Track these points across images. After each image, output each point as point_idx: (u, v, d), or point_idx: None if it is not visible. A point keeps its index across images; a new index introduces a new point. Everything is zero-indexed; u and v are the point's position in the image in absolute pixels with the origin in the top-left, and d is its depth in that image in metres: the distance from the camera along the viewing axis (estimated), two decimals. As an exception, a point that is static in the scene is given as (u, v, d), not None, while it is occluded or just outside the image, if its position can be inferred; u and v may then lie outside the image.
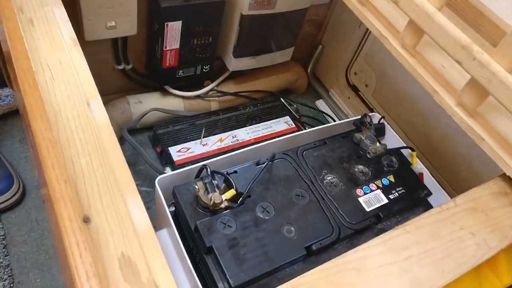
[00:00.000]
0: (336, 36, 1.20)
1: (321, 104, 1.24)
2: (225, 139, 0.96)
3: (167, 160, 0.90)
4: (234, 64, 0.97)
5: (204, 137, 0.95)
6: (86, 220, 0.36)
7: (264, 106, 1.08)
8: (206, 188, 0.62)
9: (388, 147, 0.79)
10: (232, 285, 0.55)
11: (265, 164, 0.67)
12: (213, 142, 0.95)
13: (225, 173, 0.66)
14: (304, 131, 0.78)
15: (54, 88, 0.45)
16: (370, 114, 0.85)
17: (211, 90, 1.04)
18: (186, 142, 0.93)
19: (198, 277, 0.59)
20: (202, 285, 0.57)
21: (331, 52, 1.24)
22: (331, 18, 1.19)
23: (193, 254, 0.64)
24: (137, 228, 0.38)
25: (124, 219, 0.37)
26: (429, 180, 0.78)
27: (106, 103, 0.96)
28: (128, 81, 0.98)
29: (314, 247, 0.61)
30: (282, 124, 1.05)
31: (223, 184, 0.64)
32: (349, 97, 1.22)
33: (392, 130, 0.86)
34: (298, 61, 1.23)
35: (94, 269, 0.33)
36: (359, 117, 0.83)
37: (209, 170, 0.64)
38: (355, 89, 1.21)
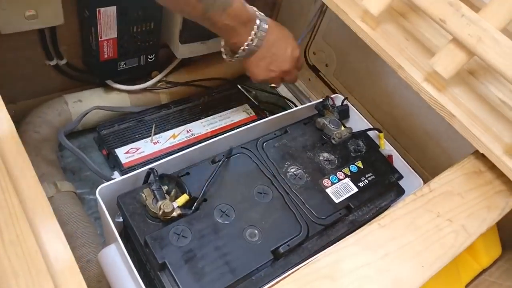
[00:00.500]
0: (292, 15, 1.13)
1: (281, 89, 1.18)
2: (179, 134, 0.88)
3: (114, 163, 0.81)
4: (182, 51, 0.88)
5: (154, 134, 0.86)
6: (-20, 264, 0.28)
7: (220, 95, 1.00)
8: (155, 196, 0.54)
9: (354, 131, 0.73)
10: (191, 305, 0.48)
11: (221, 161, 0.60)
12: (166, 139, 0.86)
13: (177, 176, 0.58)
14: (263, 119, 0.71)
15: None
16: (332, 96, 0.80)
17: (159, 81, 0.95)
18: (134, 141, 0.84)
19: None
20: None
21: (287, 29, 1.17)
22: (284, -4, 1.12)
23: (147, 269, 0.56)
24: (52, 265, 0.30)
25: (33, 256, 0.29)
26: (399, 162, 0.73)
27: (40, 104, 0.85)
28: (64, 78, 0.87)
29: (281, 250, 0.55)
30: (241, 113, 0.98)
31: (174, 190, 0.56)
32: (309, 79, 1.16)
33: (356, 111, 0.81)
34: (254, 44, 1.15)
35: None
36: (321, 100, 0.77)
37: (156, 174, 0.56)
38: (315, 70, 1.15)
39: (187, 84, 0.97)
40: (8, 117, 0.38)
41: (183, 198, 0.55)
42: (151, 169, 0.57)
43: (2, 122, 0.36)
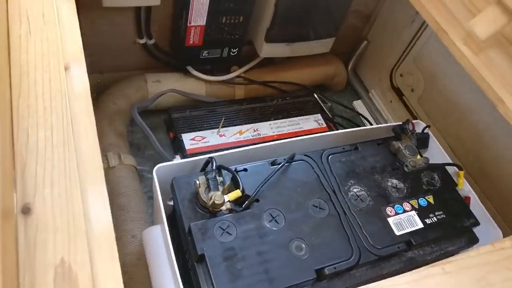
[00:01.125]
0: (384, 32, 1.07)
1: (359, 105, 1.12)
2: (245, 131, 0.87)
3: (178, 148, 0.82)
4: (266, 49, 0.87)
5: (222, 127, 0.86)
6: (25, 210, 0.28)
7: (294, 101, 0.97)
8: (208, 185, 0.53)
9: (430, 162, 0.67)
10: (221, 305, 0.45)
11: (281, 164, 0.57)
12: (232, 134, 0.86)
13: (234, 170, 0.57)
14: (334, 132, 0.67)
15: (28, 44, 0.37)
16: (414, 121, 0.73)
17: (237, 76, 0.95)
18: (202, 130, 0.84)
19: (187, 286, 0.51)
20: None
21: (377, 49, 1.11)
22: (381, 11, 1.06)
23: (186, 258, 0.55)
24: (91, 229, 0.29)
25: (76, 214, 0.29)
26: (477, 207, 0.65)
27: (122, 79, 0.89)
28: (149, 58, 0.91)
29: (326, 271, 0.51)
30: (311, 122, 0.94)
31: (228, 183, 0.54)
32: (391, 101, 1.09)
33: (437, 142, 0.74)
34: (339, 56, 1.11)
35: (16, 280, 0.24)
36: (401, 123, 0.71)
37: (215, 164, 0.55)
38: (399, 93, 1.08)
39: (263, 84, 0.96)
40: (86, 78, 0.38)
41: (235, 193, 0.53)
42: (211, 157, 0.57)
43: (80, 82, 0.37)
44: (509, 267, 0.42)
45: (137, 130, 0.89)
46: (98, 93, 0.88)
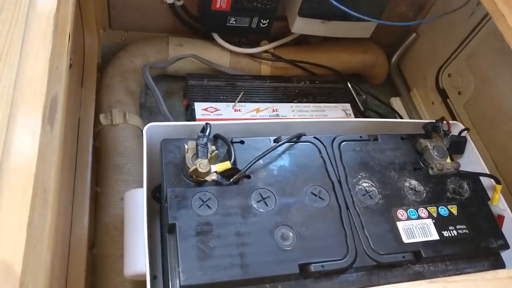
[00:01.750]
0: (437, 25, 0.96)
1: (396, 103, 1.02)
2: (263, 110, 0.81)
3: (190, 116, 0.78)
4: (299, 24, 0.80)
5: (240, 101, 0.80)
6: None
7: (323, 86, 0.89)
8: (197, 151, 0.48)
9: (462, 168, 0.57)
10: (181, 283, 0.40)
11: (283, 142, 0.51)
12: (248, 110, 0.80)
13: (230, 140, 0.51)
14: (355, 119, 0.60)
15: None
16: (451, 122, 0.64)
17: (266, 51, 0.88)
18: (217, 101, 0.79)
19: (163, 262, 0.46)
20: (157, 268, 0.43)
21: (426, 44, 1.01)
22: (436, 1, 0.96)
23: (164, 227, 0.50)
24: (8, 162, 0.24)
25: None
26: (510, 228, 0.55)
27: (145, 39, 0.85)
28: (175, 20, 0.86)
29: (312, 268, 0.44)
30: (339, 111, 0.86)
31: (216, 151, 0.48)
32: (433, 103, 0.98)
33: (475, 149, 0.64)
34: (383, 47, 1.01)
35: None
36: (433, 120, 0.62)
37: (209, 130, 0.50)
38: (443, 95, 0.97)
39: (292, 63, 0.89)
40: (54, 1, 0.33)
41: (224, 164, 0.47)
42: (207, 123, 0.51)
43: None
44: (533, 301, 0.33)
45: (152, 94, 0.85)
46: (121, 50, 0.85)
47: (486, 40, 0.85)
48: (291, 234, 0.45)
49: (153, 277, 0.51)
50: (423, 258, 0.48)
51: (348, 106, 0.88)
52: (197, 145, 0.48)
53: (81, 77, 0.68)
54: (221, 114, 0.78)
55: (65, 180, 0.50)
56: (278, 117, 0.81)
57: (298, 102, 0.84)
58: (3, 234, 0.24)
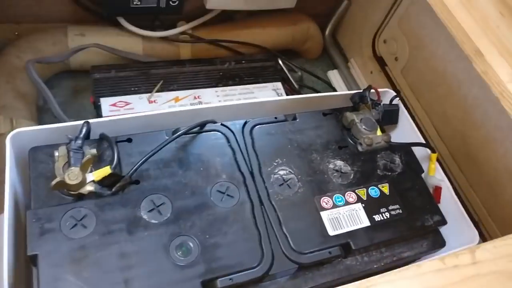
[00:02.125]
0: (366, -12, 0.90)
1: (334, 76, 0.96)
2: (183, 98, 0.72)
3: (97, 116, 0.68)
4: (211, -1, 0.71)
5: (157, 91, 0.71)
6: None
7: (251, 65, 0.81)
8: (69, 158, 0.39)
9: (393, 141, 0.51)
10: (45, 331, 0.31)
11: (178, 134, 0.42)
12: (166, 100, 0.71)
13: (114, 140, 0.42)
14: (268, 99, 0.52)
15: None
16: (380, 89, 0.58)
17: (183, 33, 0.79)
18: (127, 94, 0.69)
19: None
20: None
21: (358, 11, 0.94)
22: (363, -38, 0.89)
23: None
24: None
25: None
26: (449, 200, 0.50)
27: (38, 31, 0.74)
28: (75, 8, 0.75)
29: (218, 284, 0.36)
30: (269, 91, 0.79)
31: (89, 157, 0.39)
32: (371, 72, 0.93)
33: (409, 118, 0.58)
34: (316, 19, 0.94)
35: None
36: (360, 90, 0.56)
37: (84, 130, 0.41)
38: (381, 63, 0.92)
39: (214, 43, 0.80)
40: None
41: (104, 170, 0.38)
42: (85, 122, 0.42)
43: None
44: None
45: (60, 94, 0.75)
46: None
47: (415, 1, 0.79)
48: (191, 246, 0.38)
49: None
50: (352, 250, 0.41)
51: (279, 84, 0.81)
52: (68, 150, 0.39)
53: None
54: (133, 108, 0.68)
55: None
56: (201, 105, 0.72)
57: (224, 85, 0.76)
58: None
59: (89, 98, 0.76)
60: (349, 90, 0.94)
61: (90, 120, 0.43)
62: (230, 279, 0.36)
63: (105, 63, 0.75)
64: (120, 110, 0.68)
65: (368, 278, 0.27)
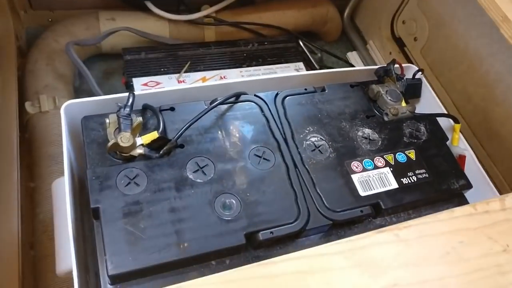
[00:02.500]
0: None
1: (353, 57, 0.98)
2: (210, 78, 0.75)
3: (130, 94, 0.71)
4: (236, -18, 0.74)
5: (185, 72, 0.74)
6: None
7: (273, 46, 0.84)
8: (119, 124, 0.42)
9: (418, 112, 0.54)
10: (109, 273, 0.35)
11: (217, 102, 0.45)
12: (193, 80, 0.74)
13: (158, 109, 0.45)
14: (298, 73, 0.55)
15: None
16: (404, 64, 0.60)
17: (207, 16, 0.82)
18: (157, 75, 0.72)
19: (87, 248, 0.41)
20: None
21: (377, -8, 0.96)
22: None
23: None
24: None
25: None
26: (473, 167, 0.52)
27: (72, 16, 0.77)
28: (106, -6, 0.79)
29: (260, 236, 0.39)
30: (291, 71, 0.81)
31: (137, 122, 0.43)
32: (390, 53, 0.95)
33: (431, 91, 0.60)
34: (333, 1, 0.96)
35: None
36: (385, 65, 0.58)
37: (131, 99, 0.44)
38: (400, 43, 0.93)
39: (238, 26, 0.83)
40: None
41: (151, 135, 0.42)
42: (130, 93, 0.45)
43: None
44: (493, 236, 0.30)
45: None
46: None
47: (435, -21, 0.81)
48: (234, 202, 0.41)
49: (94, 274, 0.46)
50: (383, 210, 0.44)
51: (301, 64, 0.83)
52: (118, 117, 0.42)
53: (-4, 65, 0.61)
54: (164, 88, 0.71)
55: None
56: (224, 81, 0.75)
57: (248, 66, 0.79)
58: None
59: (119, 80, 0.80)
60: (363, 67, 0.96)
61: (138, 92, 0.46)
62: (271, 232, 0.39)
63: (134, 45, 0.79)
64: (152, 89, 0.71)
65: (407, 222, 0.30)
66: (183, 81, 0.73)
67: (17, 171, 0.56)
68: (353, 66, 0.95)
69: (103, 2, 0.81)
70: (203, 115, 0.44)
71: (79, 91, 0.75)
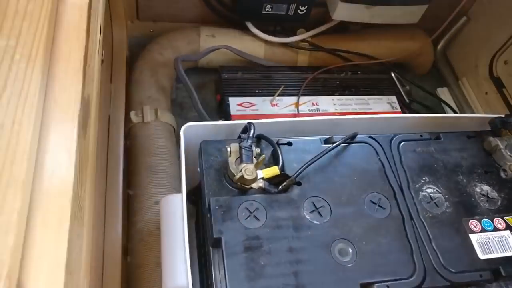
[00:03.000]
0: (491, 7, 0.88)
1: (443, 94, 0.94)
2: (303, 104, 0.75)
3: (223, 112, 0.73)
4: (340, 10, 0.74)
5: (278, 95, 0.75)
6: None
7: (366, 76, 0.83)
8: (241, 155, 0.43)
9: (538, 170, 0.50)
10: (230, 307, 0.35)
11: (337, 143, 0.45)
12: (286, 105, 0.74)
13: (275, 142, 0.45)
14: (410, 115, 0.53)
15: None
16: (521, 115, 0.57)
17: (303, 40, 0.82)
18: (252, 96, 0.73)
19: (201, 273, 0.41)
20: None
21: (478, 29, 0.92)
22: (490, -19, 0.87)
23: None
24: (41, 182, 0.20)
25: (18, 156, 0.20)
26: None
27: (175, 30, 0.80)
28: (206, 10, 0.81)
29: (375, 289, 0.38)
30: (384, 104, 0.80)
31: (263, 155, 0.43)
32: (486, 93, 0.90)
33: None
34: (427, 32, 0.93)
35: None
36: (503, 115, 0.55)
37: (253, 130, 0.44)
38: (498, 84, 0.89)
39: (332, 52, 0.83)
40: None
41: (272, 170, 0.42)
42: (250, 123, 0.46)
43: None
44: None
45: (183, 88, 0.80)
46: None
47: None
48: (350, 250, 0.40)
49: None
50: (502, 276, 0.42)
51: (393, 98, 0.81)
52: (240, 148, 0.43)
53: (110, 73, 0.64)
54: (258, 110, 0.72)
55: (97, 186, 0.46)
56: (318, 112, 0.75)
57: (340, 94, 0.78)
58: (41, 265, 0.20)
59: (209, 94, 0.82)
60: (459, 110, 0.92)
61: (253, 121, 0.47)
62: (387, 286, 0.38)
63: (228, 63, 0.80)
64: (246, 110, 0.72)
65: None
66: (276, 105, 0.74)
67: (121, 178, 0.58)
68: (444, 101, 0.91)
69: (203, 17, 0.84)
70: (322, 156, 0.43)
71: (174, 103, 0.77)
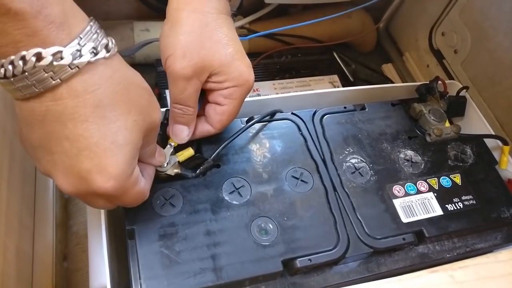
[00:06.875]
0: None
1: (388, 69, 0.95)
2: (243, 91, 0.74)
3: (163, 106, 0.71)
4: (271, -7, 0.73)
5: (217, 84, 0.73)
6: None
7: (307, 58, 0.82)
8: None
9: (463, 132, 0.51)
10: (144, 297, 0.34)
11: (254, 121, 0.44)
12: (226, 92, 0.73)
13: (194, 126, 0.44)
14: (337, 89, 0.53)
15: None
16: (447, 81, 0.57)
17: (240, 27, 0.81)
18: (191, 86, 0.72)
19: (120, 266, 0.40)
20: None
21: (415, 3, 0.93)
22: (422, -46, 0.88)
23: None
24: None
25: None
26: (523, 193, 0.49)
27: (107, 27, 0.78)
28: (141, 6, 0.79)
29: (297, 264, 0.38)
30: (325, 84, 0.79)
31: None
32: (428, 65, 0.91)
33: (477, 110, 0.57)
34: (369, 11, 0.94)
35: None
36: (427, 82, 0.55)
37: (166, 116, 0.43)
38: (438, 56, 0.90)
39: (271, 37, 0.82)
40: None
41: (187, 152, 0.41)
42: (167, 109, 0.45)
43: None
44: (561, 283, 0.27)
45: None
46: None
47: (479, -10, 0.77)
48: (271, 227, 0.39)
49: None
50: (426, 237, 0.42)
51: (335, 77, 0.81)
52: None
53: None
54: (197, 100, 0.71)
55: (16, 190, 0.44)
56: (259, 98, 0.74)
57: (281, 78, 0.78)
58: None
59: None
60: (404, 83, 0.93)
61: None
62: (309, 259, 0.38)
63: (168, 57, 0.79)
64: (185, 101, 0.70)
65: (462, 260, 0.27)
66: (216, 93, 0.73)
67: (51, 182, 0.56)
68: (388, 78, 0.92)
69: (138, 13, 0.82)
70: (239, 134, 0.43)
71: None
